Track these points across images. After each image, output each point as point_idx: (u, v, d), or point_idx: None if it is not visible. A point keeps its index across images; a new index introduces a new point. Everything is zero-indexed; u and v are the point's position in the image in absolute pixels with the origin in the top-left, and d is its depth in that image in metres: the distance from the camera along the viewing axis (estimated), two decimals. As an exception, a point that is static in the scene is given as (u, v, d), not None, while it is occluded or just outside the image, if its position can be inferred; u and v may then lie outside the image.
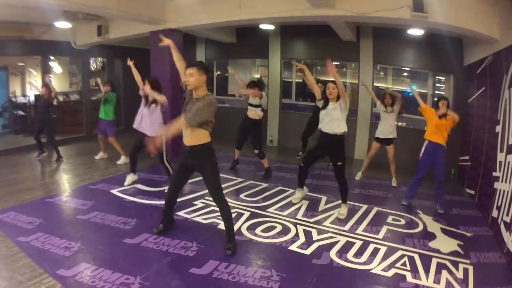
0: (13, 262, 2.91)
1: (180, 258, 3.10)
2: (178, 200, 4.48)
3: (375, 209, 4.47)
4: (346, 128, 4.05)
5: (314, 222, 4.00)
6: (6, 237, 3.33)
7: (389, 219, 4.19)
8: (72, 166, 6.05)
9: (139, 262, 2.99)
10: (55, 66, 8.87)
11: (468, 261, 3.26)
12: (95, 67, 9.55)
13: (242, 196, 4.73)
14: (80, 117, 8.68)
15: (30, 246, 3.17)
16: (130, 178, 5.06)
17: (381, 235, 3.75)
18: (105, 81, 6.72)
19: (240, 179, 5.45)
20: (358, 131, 7.28)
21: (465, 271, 3.09)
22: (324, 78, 8.20)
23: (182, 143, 3.23)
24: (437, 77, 7.14)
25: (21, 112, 8.60)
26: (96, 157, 6.48)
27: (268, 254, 3.27)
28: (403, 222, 4.14)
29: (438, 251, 3.43)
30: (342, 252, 3.32)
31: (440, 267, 3.13)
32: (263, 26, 7.05)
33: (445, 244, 3.60)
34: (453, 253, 3.41)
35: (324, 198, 4.75)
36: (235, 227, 3.69)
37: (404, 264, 3.16)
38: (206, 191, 3.56)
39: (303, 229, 3.78)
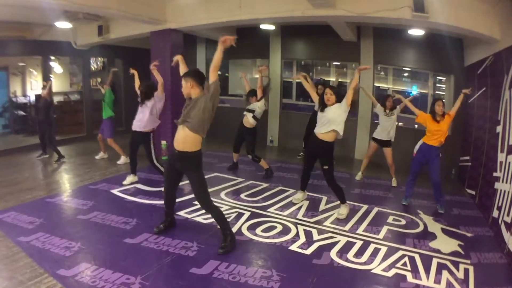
0: (13, 262, 2.91)
1: (180, 258, 3.10)
2: (178, 200, 4.49)
3: (375, 209, 4.47)
4: (341, 131, 4.00)
5: (314, 222, 3.99)
6: (6, 237, 3.33)
7: (390, 219, 4.18)
8: (72, 166, 6.05)
9: (140, 262, 2.99)
10: (56, 66, 8.89)
11: (468, 262, 3.26)
12: (96, 67, 9.56)
13: (242, 196, 4.73)
14: (81, 117, 8.69)
15: (30, 246, 3.17)
16: (130, 178, 5.09)
17: (381, 235, 3.75)
18: (103, 82, 6.73)
19: (240, 179, 5.45)
20: (358, 131, 7.28)
21: (466, 271, 3.09)
22: (325, 78, 8.22)
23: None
24: (437, 77, 7.14)
25: (21, 112, 8.62)
26: (97, 157, 6.49)
27: (269, 254, 3.26)
28: (403, 222, 4.14)
29: (438, 251, 3.43)
30: (343, 252, 3.32)
31: (441, 267, 3.13)
32: (263, 26, 7.05)
33: (445, 244, 3.60)
34: (454, 253, 3.41)
35: (324, 198, 4.75)
36: (236, 227, 3.71)
37: (404, 264, 3.16)
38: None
39: (304, 229, 3.78)
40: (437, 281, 2.91)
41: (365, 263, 3.15)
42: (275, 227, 3.80)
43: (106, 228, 3.64)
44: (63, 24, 6.60)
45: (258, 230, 3.71)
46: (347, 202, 4.27)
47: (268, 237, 3.57)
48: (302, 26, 7.08)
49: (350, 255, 3.28)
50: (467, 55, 6.09)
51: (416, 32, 5.77)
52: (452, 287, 2.84)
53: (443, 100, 4.42)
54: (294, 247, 3.38)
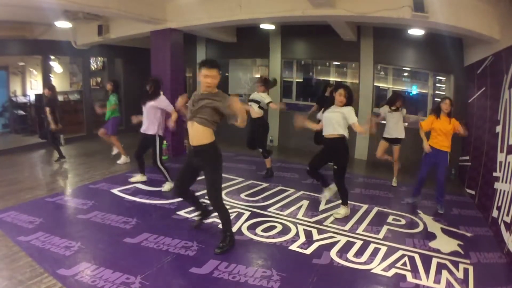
0: (13, 262, 2.91)
1: (180, 258, 3.10)
2: (179, 199, 4.49)
3: (375, 209, 4.47)
4: (346, 133, 3.98)
5: (314, 222, 3.99)
6: (6, 237, 3.33)
7: (390, 219, 4.18)
8: (72, 166, 6.06)
9: (140, 262, 2.99)
10: (56, 66, 8.89)
11: (468, 261, 3.26)
12: (96, 66, 9.56)
13: (242, 195, 4.73)
14: (81, 116, 8.69)
15: (30, 246, 3.18)
16: (138, 177, 5.09)
17: (381, 235, 3.75)
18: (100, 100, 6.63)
19: (240, 179, 5.45)
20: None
21: (465, 271, 3.09)
22: (325, 78, 8.22)
23: (180, 145, 3.23)
24: (437, 77, 7.14)
25: (21, 112, 8.61)
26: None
27: (269, 253, 3.27)
28: (403, 222, 4.14)
29: (438, 251, 3.43)
30: (343, 252, 3.32)
31: (440, 267, 3.13)
32: (263, 26, 7.05)
33: (445, 244, 3.60)
34: (453, 253, 3.41)
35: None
36: (236, 227, 3.71)
37: (404, 264, 3.16)
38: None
39: (304, 229, 3.78)
40: (437, 281, 2.91)
41: (365, 263, 3.15)
42: (275, 227, 3.80)
43: (106, 227, 3.64)
44: (63, 24, 6.61)
45: (258, 230, 3.71)
46: (348, 202, 4.26)
47: (268, 237, 3.57)
48: (302, 25, 7.08)
49: (350, 255, 3.28)
50: (467, 55, 6.09)
51: (416, 32, 5.77)
52: (452, 287, 2.84)
53: (450, 99, 4.39)
54: (294, 247, 3.38)
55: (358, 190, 5.25)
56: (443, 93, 6.92)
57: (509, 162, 3.62)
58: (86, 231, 3.55)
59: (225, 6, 5.57)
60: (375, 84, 7.17)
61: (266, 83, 5.46)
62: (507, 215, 3.45)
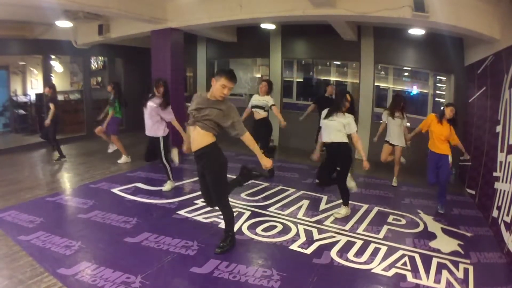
0: (13, 261, 2.91)
1: (180, 257, 3.10)
2: (178, 199, 4.51)
3: (375, 209, 4.47)
4: (346, 139, 3.99)
5: (314, 222, 4.00)
6: (6, 236, 3.34)
7: (390, 219, 4.19)
8: (73, 165, 6.06)
9: (140, 261, 2.99)
10: (56, 65, 8.89)
11: (468, 261, 3.26)
12: (96, 66, 9.56)
13: (242, 195, 4.73)
14: (81, 116, 8.69)
15: (30, 245, 3.18)
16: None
17: (381, 234, 3.75)
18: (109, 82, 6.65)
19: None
20: (358, 131, 7.21)
21: (466, 271, 3.09)
22: (326, 78, 8.23)
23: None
24: (437, 77, 7.15)
25: (22, 111, 8.62)
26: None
27: (269, 253, 3.27)
28: (403, 221, 4.14)
29: (438, 251, 3.43)
30: (343, 252, 3.32)
31: (441, 267, 3.13)
32: (264, 26, 7.05)
33: (445, 244, 3.60)
34: (454, 253, 3.41)
35: (325, 198, 4.75)
36: (236, 226, 3.70)
37: (404, 263, 3.16)
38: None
39: (304, 229, 3.78)
40: (437, 280, 2.91)
41: (365, 263, 3.15)
42: (275, 227, 3.81)
43: (106, 227, 3.64)
44: (64, 23, 6.61)
45: (259, 230, 3.71)
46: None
47: (268, 237, 3.57)
48: (303, 25, 7.08)
49: (350, 254, 3.28)
50: (467, 55, 6.08)
51: (417, 31, 5.76)
52: (452, 287, 2.84)
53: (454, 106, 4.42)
54: (294, 247, 3.38)
55: (358, 190, 5.21)
56: (443, 93, 6.93)
57: (509, 162, 3.62)
58: (86, 230, 3.55)
59: (226, 6, 5.57)
60: (376, 83, 7.17)
61: (271, 86, 5.47)
62: (507, 215, 3.45)
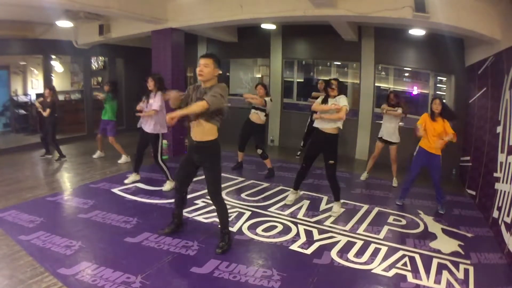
0: (14, 261, 2.91)
1: (181, 257, 3.10)
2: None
3: (376, 209, 4.47)
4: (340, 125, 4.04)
5: (315, 222, 4.00)
6: (7, 236, 3.34)
7: (390, 219, 4.19)
8: (73, 165, 6.06)
9: (140, 261, 2.99)
10: (57, 65, 8.89)
11: (468, 262, 3.26)
12: (97, 66, 9.56)
13: (243, 195, 4.73)
14: (82, 116, 8.69)
15: (31, 245, 3.18)
16: (132, 177, 5.09)
17: (382, 235, 3.75)
18: (106, 81, 6.71)
19: (241, 179, 5.45)
20: (359, 131, 7.28)
21: (466, 271, 3.09)
22: (326, 78, 8.22)
23: (180, 146, 3.20)
24: (438, 77, 7.14)
25: (22, 111, 8.62)
26: (94, 156, 6.51)
27: (269, 253, 3.27)
28: (404, 222, 4.14)
29: (438, 252, 3.43)
30: (343, 252, 3.32)
31: (441, 267, 3.13)
32: (264, 26, 7.05)
33: (445, 244, 3.60)
34: (454, 254, 3.41)
35: (325, 198, 4.75)
36: (236, 226, 3.72)
37: (404, 264, 3.16)
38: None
39: (304, 229, 3.78)
40: (437, 281, 2.91)
41: (365, 263, 3.15)
42: (275, 227, 3.81)
43: (106, 227, 3.64)
44: (64, 23, 6.61)
45: (259, 230, 3.71)
46: (348, 202, 4.28)
47: (268, 237, 3.57)
48: (303, 25, 7.08)
49: (351, 255, 3.28)
50: (467, 55, 6.08)
51: (417, 32, 5.77)
52: (452, 287, 2.84)
53: (443, 100, 4.37)
54: (294, 247, 3.38)
55: (358, 190, 5.25)
56: (444, 93, 6.93)
57: (509, 163, 3.61)
58: (86, 230, 3.55)
59: (226, 6, 5.57)
60: (376, 84, 7.17)
61: (266, 87, 5.55)
62: (508, 215, 3.44)
